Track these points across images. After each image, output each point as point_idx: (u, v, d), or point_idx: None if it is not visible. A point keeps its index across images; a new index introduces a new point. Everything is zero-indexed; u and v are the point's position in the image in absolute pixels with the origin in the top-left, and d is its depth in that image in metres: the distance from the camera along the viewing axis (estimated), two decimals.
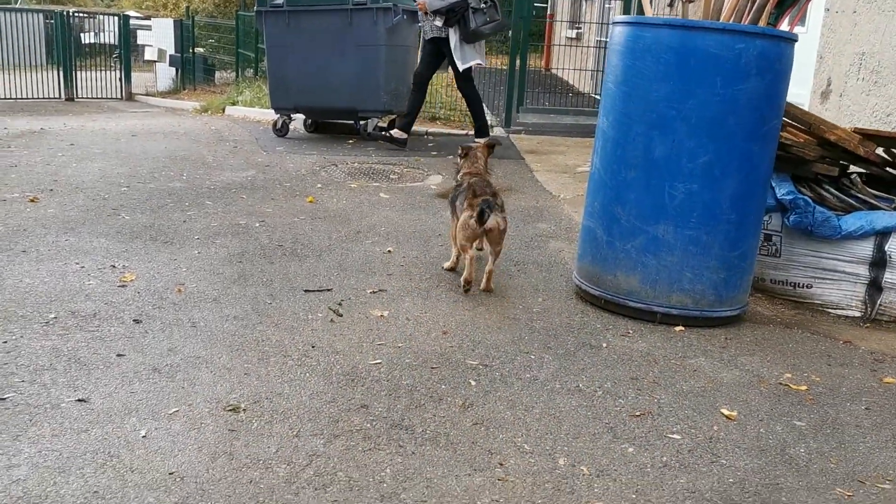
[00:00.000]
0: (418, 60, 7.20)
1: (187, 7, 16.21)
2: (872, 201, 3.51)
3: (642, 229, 3.16)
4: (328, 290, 3.38)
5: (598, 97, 10.02)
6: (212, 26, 15.10)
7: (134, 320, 2.93)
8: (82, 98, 11.85)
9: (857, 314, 3.43)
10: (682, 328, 3.17)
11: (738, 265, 3.20)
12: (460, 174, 3.75)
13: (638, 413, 2.44)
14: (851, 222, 3.37)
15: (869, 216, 3.37)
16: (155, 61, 13.74)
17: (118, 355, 2.62)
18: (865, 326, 3.38)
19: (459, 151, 3.88)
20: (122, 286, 3.28)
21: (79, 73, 12.07)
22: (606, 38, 10.66)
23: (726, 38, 2.97)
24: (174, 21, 13.81)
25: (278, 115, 7.62)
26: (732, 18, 3.21)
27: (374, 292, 3.39)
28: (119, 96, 12.30)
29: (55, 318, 2.90)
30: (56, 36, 12.65)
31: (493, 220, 3.33)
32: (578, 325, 3.17)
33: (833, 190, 3.54)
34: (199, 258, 3.72)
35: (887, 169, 3.71)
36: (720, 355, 2.95)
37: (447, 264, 3.73)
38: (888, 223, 3.33)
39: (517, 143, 7.55)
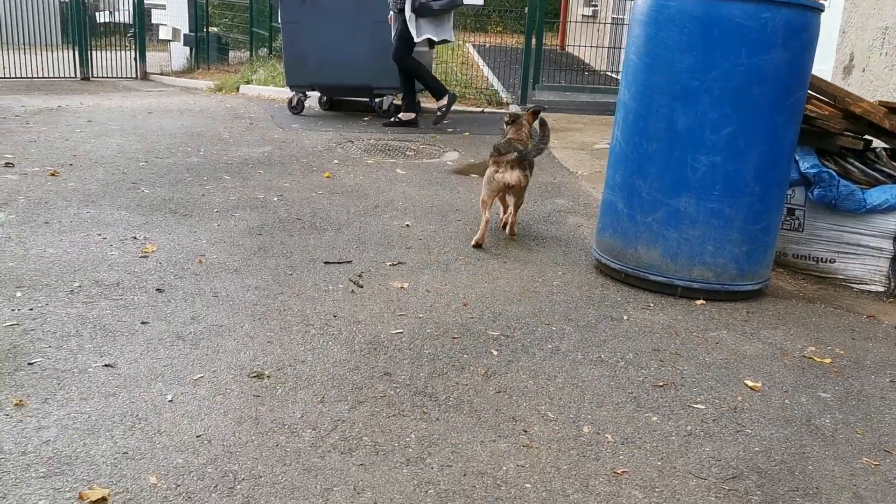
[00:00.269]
0: (392, 40, 6.89)
1: None
2: None
3: (664, 202, 3.14)
4: (348, 262, 3.39)
5: (612, 75, 9.93)
6: (226, 5, 15.04)
7: (157, 289, 2.94)
8: (97, 77, 11.84)
9: (881, 289, 3.40)
10: (704, 302, 3.16)
11: (761, 239, 3.17)
12: (505, 139, 3.87)
13: (661, 383, 2.44)
14: (876, 196, 3.33)
15: (894, 189, 3.33)
16: (169, 40, 13.69)
17: (142, 323, 2.64)
18: (889, 301, 3.35)
19: (507, 118, 4.09)
20: (144, 257, 3.30)
21: (94, 52, 12.05)
22: (622, 14, 10.55)
23: (751, 6, 2.93)
24: (188, 0, 13.76)
25: (293, 93, 7.60)
26: None
27: (393, 265, 3.39)
28: (134, 75, 12.26)
29: (79, 286, 2.92)
30: (71, 15, 12.61)
31: (514, 176, 3.59)
32: (599, 297, 3.16)
33: (858, 164, 3.50)
34: (218, 230, 3.73)
35: None
36: (742, 328, 2.94)
37: (475, 238, 3.72)
38: None
39: None
